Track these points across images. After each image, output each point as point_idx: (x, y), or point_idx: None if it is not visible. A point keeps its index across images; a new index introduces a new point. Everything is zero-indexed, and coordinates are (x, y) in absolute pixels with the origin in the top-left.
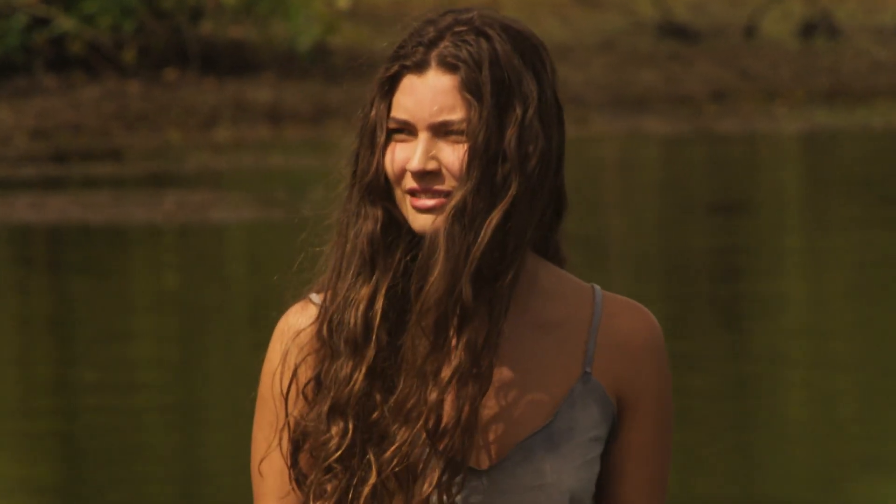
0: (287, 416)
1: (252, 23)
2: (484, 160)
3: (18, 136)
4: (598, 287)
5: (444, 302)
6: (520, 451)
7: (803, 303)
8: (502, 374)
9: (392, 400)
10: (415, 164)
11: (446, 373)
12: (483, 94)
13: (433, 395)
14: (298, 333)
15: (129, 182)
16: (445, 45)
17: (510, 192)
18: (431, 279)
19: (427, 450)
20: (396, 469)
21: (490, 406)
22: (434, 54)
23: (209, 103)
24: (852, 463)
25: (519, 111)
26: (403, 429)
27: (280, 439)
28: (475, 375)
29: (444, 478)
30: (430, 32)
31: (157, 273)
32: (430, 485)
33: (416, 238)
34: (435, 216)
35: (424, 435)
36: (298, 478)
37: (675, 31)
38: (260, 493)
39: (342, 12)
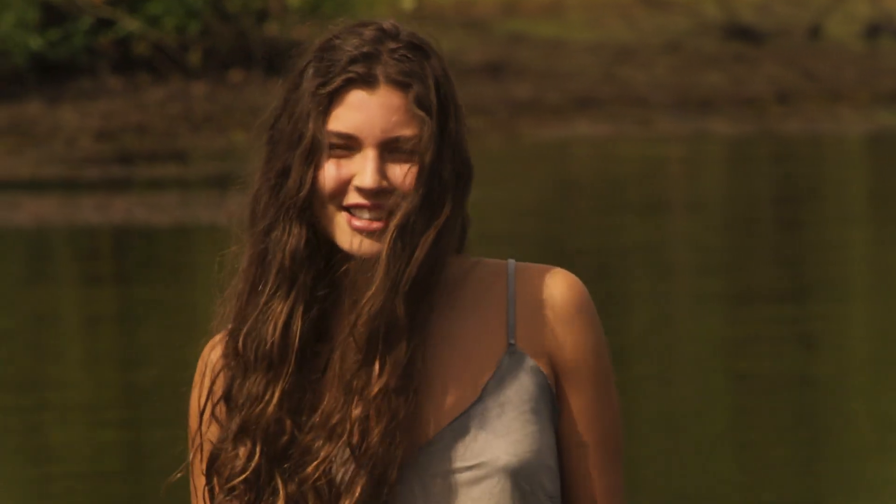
0: (201, 437)
1: (317, 24)
2: (429, 178)
3: (84, 137)
4: (512, 261)
5: (378, 319)
6: (449, 433)
7: (869, 310)
8: (427, 365)
9: (316, 416)
10: (368, 181)
11: (374, 389)
12: (432, 111)
13: (357, 411)
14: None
15: (194, 183)
16: (388, 61)
17: (446, 209)
18: (368, 295)
19: (351, 465)
20: (317, 484)
21: (420, 395)
22: (380, 70)
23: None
24: None
25: (453, 126)
26: (327, 444)
27: (196, 460)
28: (401, 389)
29: (367, 493)
30: (363, 46)
31: (222, 273)
32: (352, 500)
33: (336, 254)
34: (376, 239)
35: (348, 451)
36: (212, 498)
37: (740, 33)
38: None
39: (406, 13)
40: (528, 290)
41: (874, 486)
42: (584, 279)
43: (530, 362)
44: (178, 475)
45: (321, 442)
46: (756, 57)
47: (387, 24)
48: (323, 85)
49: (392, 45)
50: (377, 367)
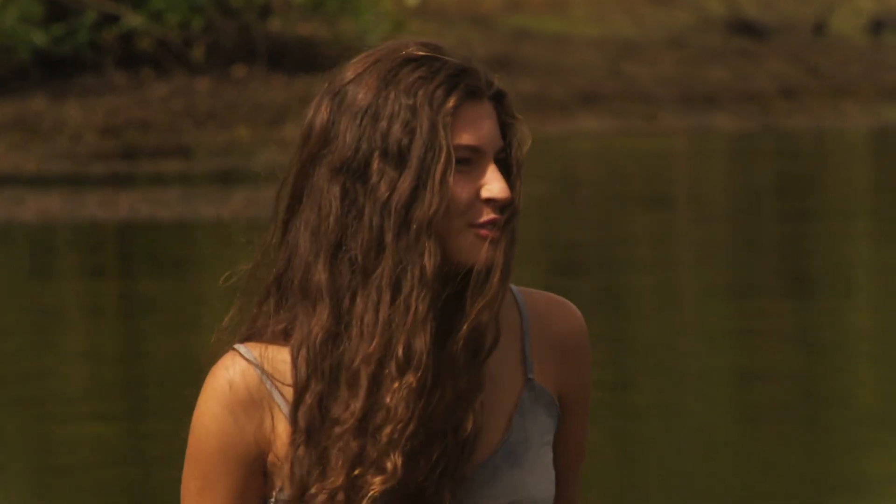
0: (272, 470)
1: (320, 20)
2: (520, 185)
3: (88, 133)
4: (515, 288)
5: (490, 325)
6: (484, 471)
7: (872, 304)
8: None
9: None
10: (499, 191)
11: (479, 401)
12: (517, 117)
13: (470, 424)
14: (245, 391)
15: (197, 179)
16: (483, 73)
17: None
18: (486, 300)
19: (437, 471)
20: (422, 489)
21: None
22: (482, 82)
23: (277, 100)
24: None
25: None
26: (451, 448)
27: (273, 492)
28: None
29: (453, 498)
30: (456, 59)
31: (225, 269)
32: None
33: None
34: (493, 248)
35: (437, 456)
36: None
37: (744, 28)
38: None
39: (410, 9)
40: (541, 323)
41: (876, 482)
42: (588, 274)
43: (547, 396)
44: None
45: (440, 447)
46: (760, 52)
47: (438, 42)
48: (447, 100)
49: (473, 61)
50: (478, 378)
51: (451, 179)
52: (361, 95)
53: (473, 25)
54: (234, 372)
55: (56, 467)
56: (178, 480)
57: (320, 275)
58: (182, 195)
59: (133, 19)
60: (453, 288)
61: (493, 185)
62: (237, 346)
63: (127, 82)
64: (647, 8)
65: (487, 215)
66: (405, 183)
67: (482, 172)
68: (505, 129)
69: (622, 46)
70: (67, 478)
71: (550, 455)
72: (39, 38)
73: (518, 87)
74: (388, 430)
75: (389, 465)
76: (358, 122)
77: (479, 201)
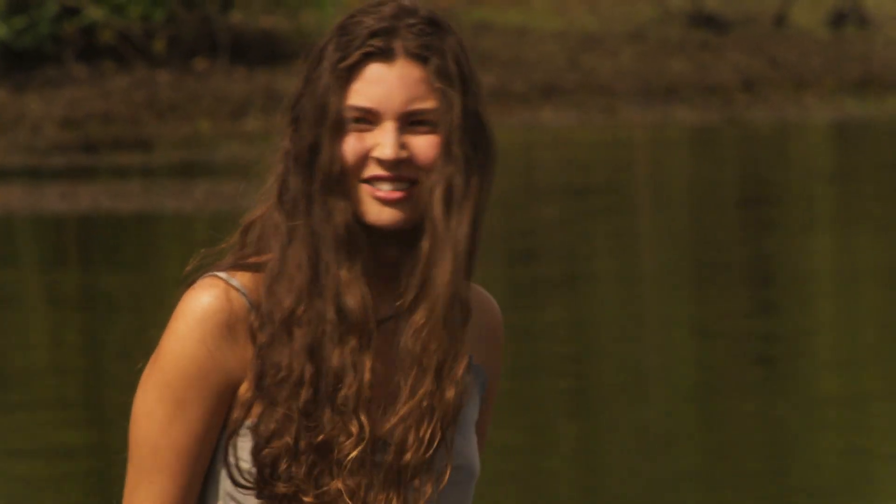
0: (244, 408)
1: (282, 12)
2: (461, 149)
3: (48, 125)
4: None
5: (452, 301)
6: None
7: (833, 301)
8: None
9: (406, 393)
10: (388, 152)
11: (461, 369)
12: (453, 83)
13: (451, 393)
14: (229, 317)
15: (159, 172)
16: (407, 35)
17: (480, 182)
18: (440, 276)
19: (433, 444)
20: (414, 463)
21: None
22: (398, 44)
23: (239, 93)
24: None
25: (478, 100)
26: (418, 424)
27: (232, 433)
28: (467, 368)
29: (446, 471)
30: (382, 21)
31: (187, 263)
32: (438, 483)
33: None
34: (399, 209)
35: (434, 428)
36: (244, 475)
37: (705, 21)
38: (154, 467)
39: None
40: (478, 312)
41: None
42: (550, 265)
43: (483, 377)
44: None
45: (405, 423)
46: (721, 45)
47: (406, 1)
48: (342, 60)
49: (410, 20)
50: (458, 347)
51: (341, 138)
52: (309, 57)
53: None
54: (218, 297)
55: (11, 451)
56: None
57: (273, 222)
58: (143, 188)
59: (94, 12)
60: (404, 248)
61: (381, 146)
62: (219, 273)
63: (88, 75)
64: (608, 1)
65: (373, 171)
66: (304, 141)
67: (380, 133)
68: (437, 94)
69: (583, 39)
70: (28, 464)
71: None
72: (0, 30)
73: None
74: (341, 393)
75: (354, 428)
76: (296, 86)
77: (371, 159)
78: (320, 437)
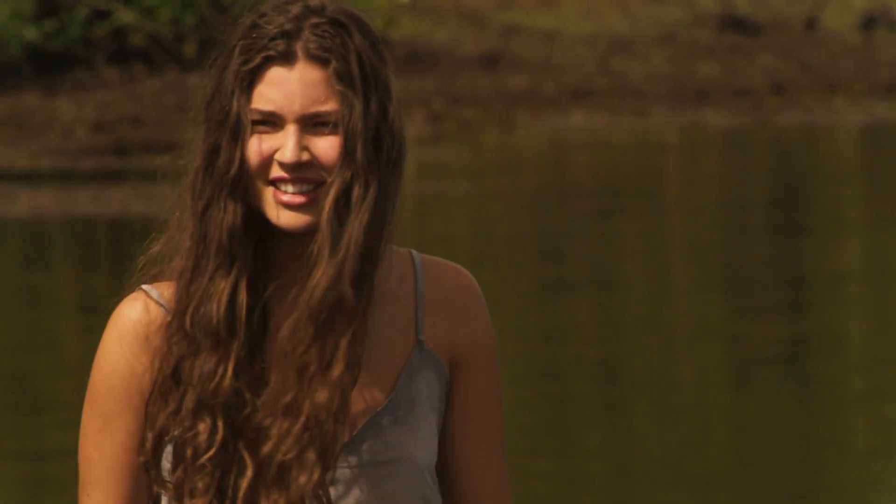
0: (148, 414)
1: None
2: (362, 151)
3: (79, 128)
4: (414, 252)
5: (327, 299)
6: (370, 427)
7: (863, 303)
8: None
9: (267, 393)
10: (288, 155)
11: (335, 372)
12: (355, 85)
13: (323, 395)
14: (147, 329)
15: (163, 173)
16: (308, 37)
17: (380, 185)
18: (317, 276)
19: (303, 443)
20: (279, 461)
21: None
22: (300, 46)
23: None
24: None
25: (384, 103)
26: (281, 422)
27: (145, 439)
28: (352, 369)
29: (323, 468)
30: (286, 23)
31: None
32: (309, 478)
33: (269, 229)
34: (303, 213)
35: (299, 428)
36: (160, 478)
37: (736, 24)
38: (88, 481)
39: (402, 5)
40: (433, 286)
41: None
42: (578, 269)
43: (436, 358)
44: None
45: (273, 420)
46: (752, 48)
47: (315, 1)
48: (245, 63)
49: (315, 20)
50: (331, 349)
51: (244, 142)
52: (218, 58)
53: (465, 22)
54: (137, 309)
55: (48, 454)
56: None
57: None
58: (173, 191)
59: (125, 15)
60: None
61: (283, 149)
62: (144, 286)
63: (119, 78)
64: (639, 4)
65: (276, 173)
66: (205, 143)
67: (282, 135)
68: (338, 96)
69: (613, 42)
70: (59, 470)
71: (436, 418)
72: (31, 34)
73: (509, 83)
74: (196, 395)
75: (202, 427)
76: (206, 86)
77: (275, 162)
78: (185, 437)
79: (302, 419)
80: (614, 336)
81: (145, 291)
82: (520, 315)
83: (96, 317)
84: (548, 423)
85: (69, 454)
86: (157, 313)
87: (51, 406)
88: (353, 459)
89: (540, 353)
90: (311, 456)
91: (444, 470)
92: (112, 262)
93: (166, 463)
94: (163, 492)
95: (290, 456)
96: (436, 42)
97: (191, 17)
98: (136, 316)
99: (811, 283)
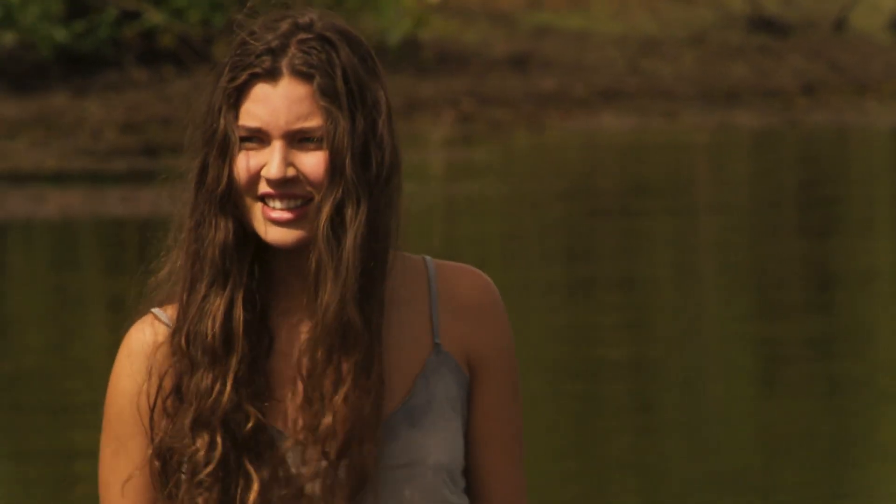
0: (152, 436)
1: (342, 17)
2: (349, 167)
3: (109, 129)
4: (428, 258)
5: (334, 321)
6: (385, 431)
7: (893, 302)
8: None
9: (279, 411)
10: (273, 171)
11: (339, 396)
12: (340, 101)
13: (328, 419)
14: (154, 350)
15: (166, 189)
16: (294, 54)
17: (370, 201)
18: (326, 298)
19: (323, 463)
20: (305, 484)
21: None
22: (285, 63)
23: None
24: None
25: (373, 117)
26: (307, 448)
27: (149, 458)
28: (365, 391)
29: (354, 491)
30: (273, 40)
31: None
32: (344, 499)
33: (263, 246)
34: (291, 228)
35: (317, 453)
36: (170, 494)
37: (766, 25)
38: (107, 503)
39: (432, 6)
40: (448, 289)
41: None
42: (608, 269)
43: (453, 361)
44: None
45: (290, 442)
46: (781, 49)
47: (304, 18)
48: (232, 80)
49: (302, 36)
50: (344, 371)
51: (231, 158)
52: (211, 75)
53: (495, 23)
54: (145, 332)
55: (79, 453)
56: None
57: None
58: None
59: (154, 16)
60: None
61: (269, 165)
62: (154, 309)
63: (148, 79)
64: (669, 5)
65: (264, 189)
66: (196, 161)
67: (268, 152)
68: (323, 112)
69: (643, 43)
70: (89, 471)
71: (456, 420)
72: (61, 34)
73: (539, 84)
74: (189, 411)
75: (200, 443)
76: (200, 102)
77: (263, 178)
78: (185, 454)
79: (318, 446)
80: (643, 336)
81: (154, 314)
82: (549, 315)
83: (125, 317)
84: (576, 423)
85: (96, 454)
86: (163, 334)
87: (79, 407)
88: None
89: (568, 353)
90: (338, 478)
91: (467, 473)
92: (141, 264)
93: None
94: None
95: (317, 480)
96: (465, 43)
97: (220, 18)
98: (143, 338)
99: (840, 282)
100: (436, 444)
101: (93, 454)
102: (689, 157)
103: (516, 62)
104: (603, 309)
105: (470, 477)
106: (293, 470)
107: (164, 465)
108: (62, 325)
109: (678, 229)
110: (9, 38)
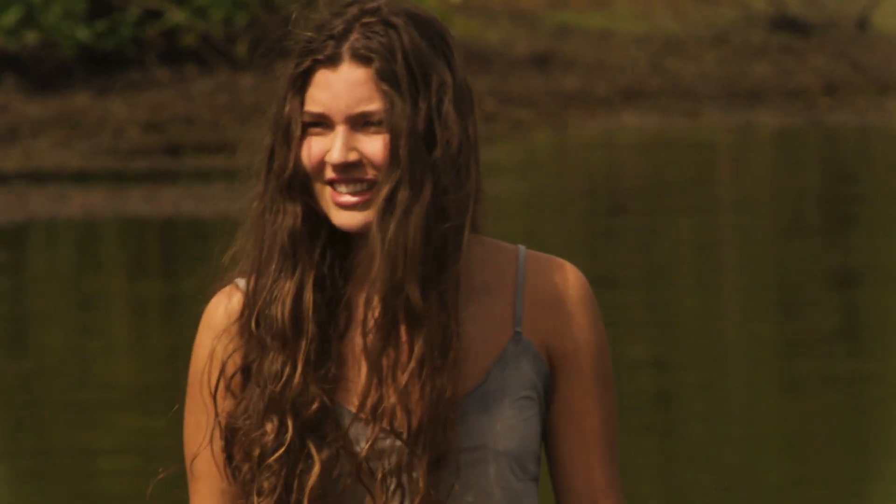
0: (217, 413)
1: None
2: (407, 150)
3: (131, 129)
4: (522, 247)
5: (389, 302)
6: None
7: None
8: None
9: (349, 393)
10: (335, 156)
11: (402, 376)
12: (400, 84)
13: (392, 399)
14: (228, 324)
15: (241, 175)
16: (356, 38)
17: (429, 184)
18: (372, 277)
19: (394, 441)
20: (381, 466)
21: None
22: (346, 47)
23: None
24: None
25: (435, 99)
26: (368, 426)
27: (212, 438)
28: (438, 370)
29: (431, 472)
30: (338, 25)
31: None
32: (424, 481)
33: (335, 229)
34: (358, 212)
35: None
36: (234, 473)
37: (788, 24)
38: (192, 476)
39: (454, 6)
40: (536, 280)
41: None
42: (631, 269)
43: (533, 350)
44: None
45: (361, 424)
46: (804, 49)
47: (372, 3)
48: (297, 66)
49: (366, 20)
50: (402, 350)
51: (298, 144)
52: (285, 63)
53: (517, 22)
54: (224, 303)
55: (100, 456)
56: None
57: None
58: (226, 191)
59: (176, 15)
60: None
61: (331, 150)
62: (237, 279)
63: (170, 78)
64: (691, 4)
65: (330, 174)
66: (266, 146)
67: (332, 136)
68: (383, 95)
69: (665, 43)
70: (112, 475)
71: (531, 409)
72: (83, 34)
73: (561, 83)
74: (259, 394)
75: (269, 427)
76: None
77: (328, 163)
78: (251, 437)
79: (386, 422)
80: (664, 335)
81: (236, 284)
82: None
83: (147, 317)
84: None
85: (118, 453)
86: (240, 303)
87: (102, 406)
88: (393, 484)
89: None
90: (412, 461)
91: (551, 464)
92: (164, 263)
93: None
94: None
95: (386, 458)
96: (488, 42)
97: (242, 16)
98: (221, 310)
99: (863, 282)
100: (505, 431)
101: (111, 452)
102: (711, 156)
103: (538, 61)
104: (624, 308)
105: (553, 468)
106: (356, 448)
107: (227, 444)
108: (83, 324)
109: (701, 229)
110: (31, 37)
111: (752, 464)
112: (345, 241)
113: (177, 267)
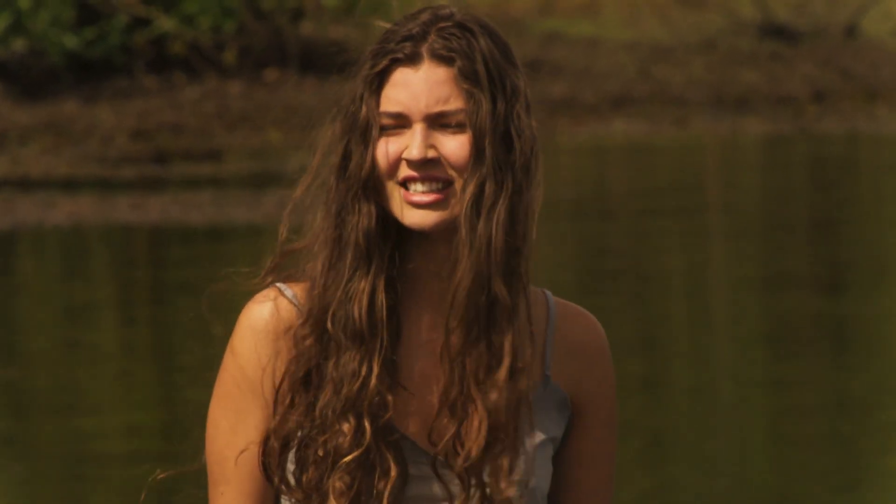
0: (275, 413)
1: (353, 23)
2: (492, 148)
3: (119, 136)
4: (549, 293)
5: (474, 297)
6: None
7: None
8: None
9: (423, 394)
10: (415, 152)
11: (501, 373)
12: (481, 84)
13: (493, 395)
14: (282, 328)
15: (229, 182)
16: (434, 39)
17: (514, 184)
18: (459, 275)
19: (489, 447)
20: (463, 466)
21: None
22: (425, 47)
23: (309, 103)
24: None
25: (512, 103)
26: (447, 421)
27: (267, 438)
28: (520, 370)
29: (507, 463)
30: (414, 28)
31: (257, 274)
32: (506, 475)
33: (403, 230)
34: (432, 211)
35: (475, 432)
36: (287, 476)
37: (776, 32)
38: (221, 478)
39: None
40: (564, 327)
41: None
42: (619, 278)
43: (561, 394)
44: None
45: (444, 420)
46: (792, 56)
47: (444, 10)
48: (373, 67)
49: (442, 24)
50: (497, 349)
51: (373, 144)
52: (355, 67)
53: (505, 29)
54: (270, 307)
55: (89, 463)
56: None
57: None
58: (214, 199)
59: (165, 23)
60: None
61: (410, 147)
62: (278, 283)
63: (158, 86)
64: (679, 11)
65: (405, 172)
66: (340, 146)
67: (410, 135)
68: (465, 94)
69: (653, 50)
70: (100, 481)
71: (552, 449)
72: (71, 41)
73: (549, 90)
74: (341, 395)
75: (346, 427)
76: (344, 92)
77: (403, 162)
78: (320, 438)
79: (474, 418)
80: (654, 343)
81: (279, 289)
82: None
83: (135, 325)
84: None
85: (107, 461)
86: (289, 313)
87: (91, 412)
88: (473, 481)
89: None
90: (502, 462)
91: (558, 498)
92: (151, 271)
93: (290, 465)
94: (285, 494)
95: (471, 460)
96: None
97: (230, 24)
98: (268, 313)
99: (852, 286)
100: (535, 470)
101: (102, 459)
102: (699, 163)
103: (526, 68)
104: (614, 313)
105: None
106: (416, 470)
107: (283, 447)
108: (70, 331)
109: (689, 236)
110: (19, 44)
111: (742, 461)
112: (402, 247)
113: (164, 274)
